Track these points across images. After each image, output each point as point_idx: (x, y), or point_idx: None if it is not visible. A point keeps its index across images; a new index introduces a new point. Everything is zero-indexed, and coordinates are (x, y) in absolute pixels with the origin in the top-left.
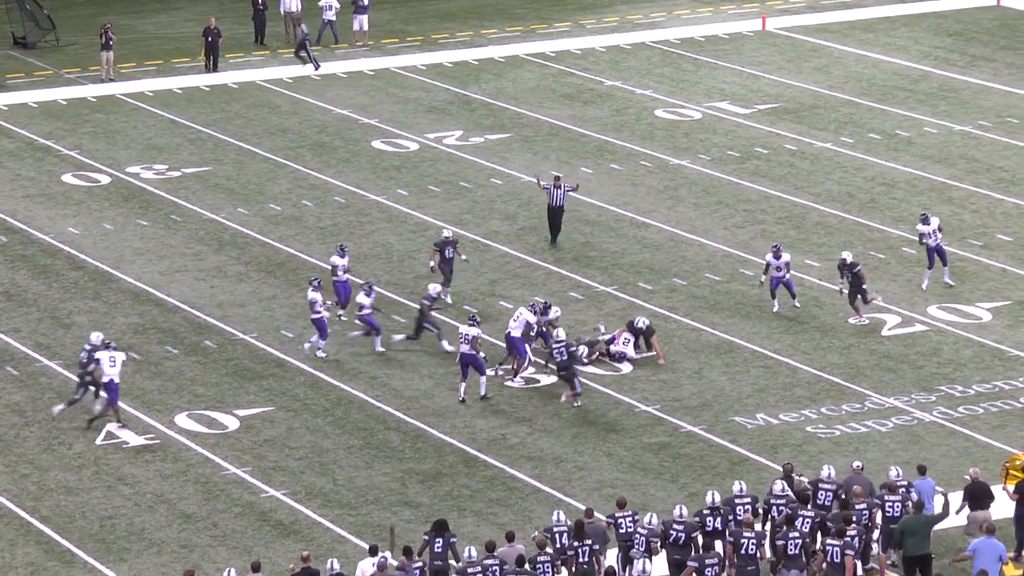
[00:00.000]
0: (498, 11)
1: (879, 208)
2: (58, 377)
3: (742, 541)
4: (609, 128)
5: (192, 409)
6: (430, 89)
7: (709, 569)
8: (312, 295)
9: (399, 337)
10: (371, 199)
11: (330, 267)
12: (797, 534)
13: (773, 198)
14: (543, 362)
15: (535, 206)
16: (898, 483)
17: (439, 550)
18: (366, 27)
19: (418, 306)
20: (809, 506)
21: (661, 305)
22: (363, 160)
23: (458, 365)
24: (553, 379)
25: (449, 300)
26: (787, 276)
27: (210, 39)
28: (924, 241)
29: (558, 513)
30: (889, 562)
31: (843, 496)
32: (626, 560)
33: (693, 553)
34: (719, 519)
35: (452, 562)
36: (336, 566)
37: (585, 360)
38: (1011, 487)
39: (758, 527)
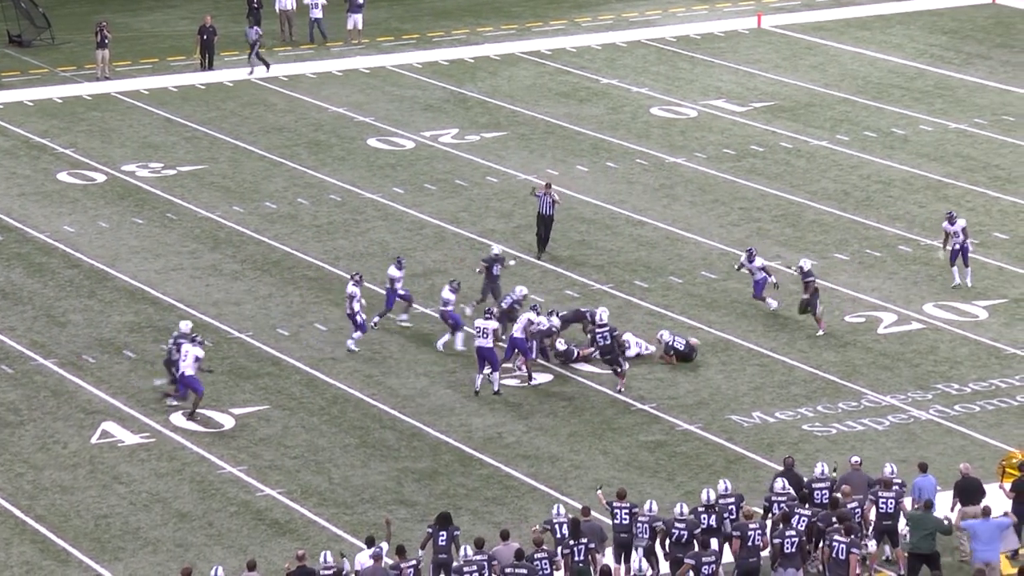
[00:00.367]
0: (494, 9)
1: (875, 206)
2: (53, 376)
3: (749, 533)
4: (605, 126)
5: (187, 408)
6: (426, 87)
7: (706, 567)
8: (351, 289)
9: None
10: (367, 197)
11: (388, 280)
12: (793, 532)
13: (769, 196)
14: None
15: (531, 204)
16: (893, 479)
17: (443, 543)
18: (360, 25)
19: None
20: (807, 506)
21: (657, 303)
22: (359, 158)
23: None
24: (550, 377)
25: (469, 312)
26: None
27: (205, 37)
28: (948, 242)
29: (558, 507)
30: (883, 558)
31: (837, 494)
32: (619, 551)
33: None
34: (714, 516)
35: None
36: (328, 559)
37: (628, 345)
38: (1008, 485)
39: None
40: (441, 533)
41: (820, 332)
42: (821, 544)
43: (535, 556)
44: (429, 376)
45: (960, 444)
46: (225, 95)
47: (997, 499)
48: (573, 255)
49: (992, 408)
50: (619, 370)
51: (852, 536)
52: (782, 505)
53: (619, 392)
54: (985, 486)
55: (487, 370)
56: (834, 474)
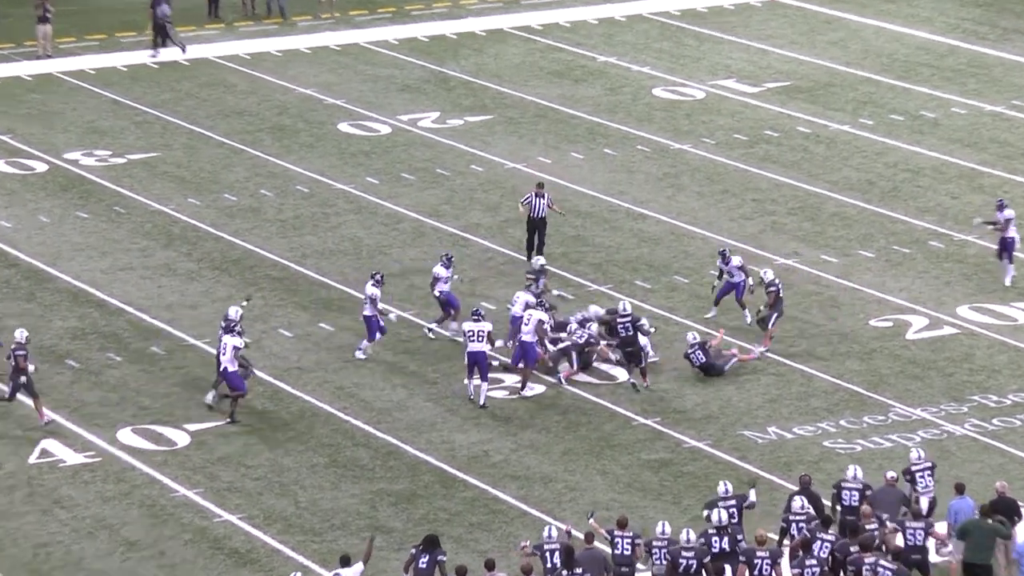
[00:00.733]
0: None
1: (902, 197)
2: None
3: (756, 561)
4: (602, 109)
5: (137, 423)
6: (403, 66)
7: None
8: (372, 290)
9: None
10: (337, 188)
11: (431, 279)
12: (815, 562)
13: (784, 186)
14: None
15: (520, 195)
16: (919, 506)
17: (424, 567)
18: None
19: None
20: (831, 529)
21: (660, 306)
22: (328, 145)
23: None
24: (542, 389)
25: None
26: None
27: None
28: (997, 230)
29: (550, 528)
30: None
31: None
32: None
33: None
34: (726, 539)
35: None
36: None
37: (650, 331)
38: None
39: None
40: (424, 556)
41: (761, 350)
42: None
43: None
44: (407, 387)
45: (999, 462)
46: (180, 75)
47: None
48: (567, 252)
49: None
50: (642, 366)
51: (899, 565)
52: (801, 527)
53: (645, 388)
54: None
55: (476, 380)
56: (892, 474)
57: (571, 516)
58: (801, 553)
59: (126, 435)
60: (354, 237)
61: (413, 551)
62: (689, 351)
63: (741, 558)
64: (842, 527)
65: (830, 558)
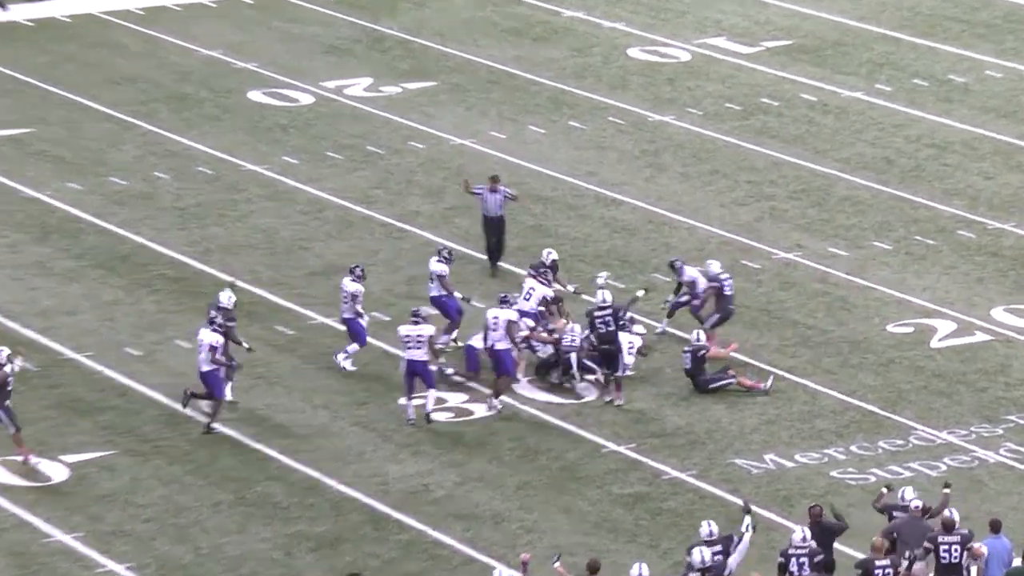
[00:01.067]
0: None
1: (926, 178)
2: None
3: None
4: (568, 73)
5: (3, 455)
6: (329, 22)
7: None
8: (354, 287)
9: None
10: (248, 170)
11: (430, 277)
12: None
13: (785, 165)
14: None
15: (469, 177)
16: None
17: None
18: None
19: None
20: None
21: (637, 309)
22: (238, 118)
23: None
24: (491, 414)
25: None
26: None
27: None
28: None
29: (499, 572)
30: None
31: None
32: None
33: None
34: None
35: None
36: None
37: (632, 329)
38: None
39: None
40: None
41: (766, 385)
42: None
43: None
44: (330, 408)
45: None
46: (59, 34)
47: None
48: (525, 245)
49: None
50: (617, 375)
51: None
52: (803, 563)
53: (616, 404)
54: None
55: (418, 399)
56: (946, 491)
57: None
58: None
59: None
60: (268, 228)
61: None
62: (685, 349)
63: None
64: None
65: None
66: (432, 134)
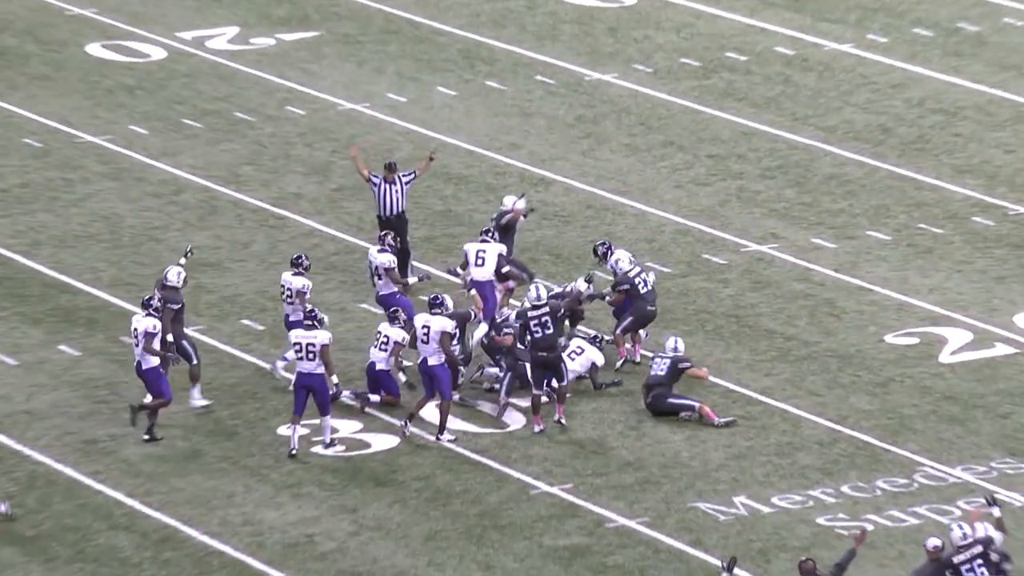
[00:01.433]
0: None
1: (932, 151)
2: None
3: None
4: (483, 22)
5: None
6: None
7: None
8: (301, 281)
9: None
10: (86, 142)
11: (376, 273)
12: None
13: (757, 135)
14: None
15: (363, 144)
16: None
17: None
18: None
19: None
20: None
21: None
22: (73, 77)
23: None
24: (396, 442)
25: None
26: None
27: None
28: None
29: None
30: None
31: None
32: None
33: None
34: None
35: None
36: None
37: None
38: None
39: None
40: None
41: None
42: None
43: None
44: (191, 440)
45: None
46: None
47: None
48: (432, 235)
49: None
50: (557, 387)
51: None
52: None
53: (559, 423)
54: None
55: (302, 430)
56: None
57: None
58: None
59: None
60: (111, 215)
61: None
62: (659, 356)
63: None
64: None
65: None
66: (315, 97)
